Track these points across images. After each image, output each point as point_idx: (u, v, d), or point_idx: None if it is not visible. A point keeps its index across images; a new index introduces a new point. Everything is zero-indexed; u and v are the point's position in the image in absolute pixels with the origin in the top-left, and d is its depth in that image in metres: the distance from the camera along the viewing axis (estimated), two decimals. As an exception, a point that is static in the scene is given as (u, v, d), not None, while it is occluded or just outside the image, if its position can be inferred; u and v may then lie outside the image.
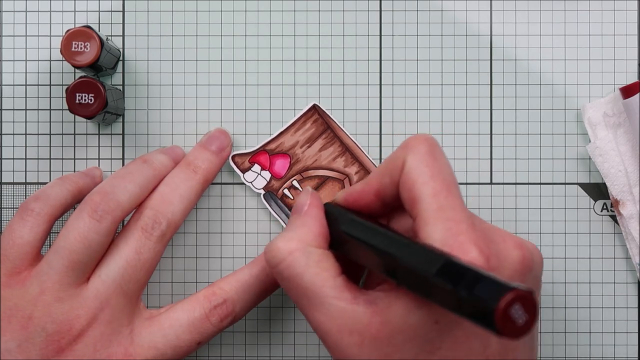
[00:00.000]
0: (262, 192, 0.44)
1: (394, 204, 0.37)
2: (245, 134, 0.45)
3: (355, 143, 0.45)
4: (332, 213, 0.38)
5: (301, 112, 0.45)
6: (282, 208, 0.44)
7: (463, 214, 0.33)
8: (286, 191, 0.44)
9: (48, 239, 0.41)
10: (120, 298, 0.38)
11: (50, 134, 0.45)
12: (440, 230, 0.32)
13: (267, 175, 0.44)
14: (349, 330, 0.33)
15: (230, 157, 0.44)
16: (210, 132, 0.44)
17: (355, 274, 0.38)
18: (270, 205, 0.44)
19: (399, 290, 0.33)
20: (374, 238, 0.34)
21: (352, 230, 0.36)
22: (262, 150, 0.45)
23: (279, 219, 0.44)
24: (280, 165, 0.45)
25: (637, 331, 0.45)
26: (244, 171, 0.44)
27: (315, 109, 0.45)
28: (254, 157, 0.45)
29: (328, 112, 0.45)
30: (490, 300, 0.26)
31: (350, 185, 0.44)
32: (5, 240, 0.39)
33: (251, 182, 0.44)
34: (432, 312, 0.32)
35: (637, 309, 0.45)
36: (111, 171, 0.45)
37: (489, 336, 0.32)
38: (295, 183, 0.44)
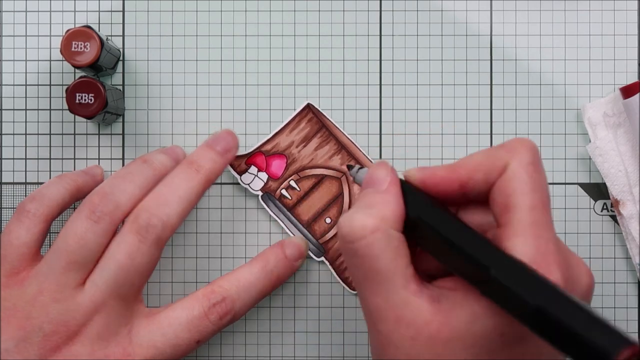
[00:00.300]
0: (260, 193, 0.44)
1: (475, 199, 0.35)
2: (245, 134, 0.45)
3: (350, 140, 0.45)
4: (408, 194, 0.35)
5: (295, 112, 0.45)
6: (280, 209, 0.44)
7: (553, 234, 0.32)
8: (284, 191, 0.44)
9: (48, 237, 0.41)
10: (117, 301, 0.38)
11: (50, 134, 0.45)
12: (530, 246, 0.31)
13: (264, 176, 0.44)
14: (407, 322, 0.32)
15: None
16: (217, 132, 0.43)
17: (419, 260, 0.36)
18: (268, 206, 0.44)
19: (466, 293, 0.32)
20: (463, 239, 0.32)
21: (436, 223, 0.33)
22: (258, 151, 0.45)
23: (277, 219, 0.44)
24: (277, 165, 0.45)
25: (637, 331, 0.45)
26: (240, 173, 0.44)
27: (309, 108, 0.45)
28: (250, 158, 0.44)
29: (322, 111, 0.45)
30: (609, 349, 0.26)
31: (348, 183, 0.44)
32: (3, 241, 0.39)
33: (248, 184, 0.44)
34: (499, 323, 0.31)
35: (637, 309, 0.45)
36: (111, 171, 0.45)
37: (555, 358, 0.32)
38: (292, 183, 0.44)
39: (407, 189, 0.35)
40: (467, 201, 0.35)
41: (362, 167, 0.38)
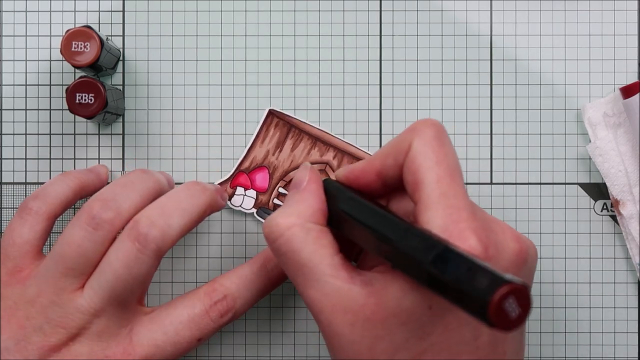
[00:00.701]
0: (254, 210, 0.44)
1: (395, 186, 0.36)
2: (245, 134, 0.45)
3: (322, 131, 0.45)
4: (331, 190, 0.37)
5: (260, 123, 0.45)
6: None
7: (465, 202, 0.33)
8: (276, 201, 0.44)
9: (50, 236, 0.41)
10: (115, 306, 0.38)
11: (50, 134, 0.45)
12: (441, 217, 0.32)
13: (252, 193, 0.44)
14: (343, 309, 0.33)
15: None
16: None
17: (351, 253, 0.38)
18: None
19: (395, 272, 0.33)
20: (372, 219, 0.34)
21: (351, 209, 0.35)
22: (239, 171, 0.44)
23: None
24: (261, 179, 0.45)
25: (637, 331, 0.45)
26: (229, 198, 0.44)
27: (272, 114, 0.45)
28: (233, 181, 0.44)
29: (285, 111, 0.45)
30: (486, 292, 0.26)
31: (333, 170, 0.44)
32: (6, 239, 0.39)
33: (240, 206, 0.44)
34: (426, 297, 0.32)
35: (637, 309, 0.45)
36: (111, 171, 0.45)
37: (480, 325, 0.32)
38: (281, 190, 0.44)
39: (330, 185, 0.37)
40: (393, 190, 0.37)
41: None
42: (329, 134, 0.44)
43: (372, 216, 0.34)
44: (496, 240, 0.33)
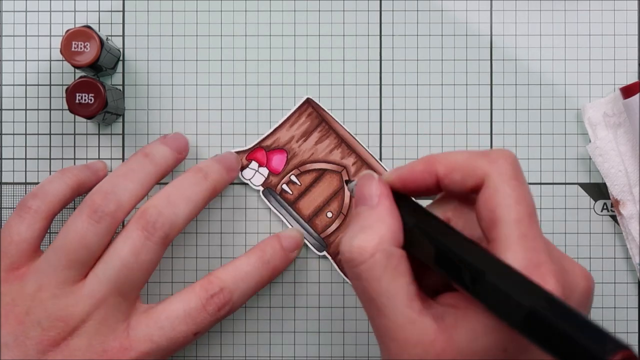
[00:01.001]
0: (261, 188, 0.44)
1: (452, 193, 0.35)
2: (245, 134, 0.45)
3: (350, 134, 0.45)
4: (400, 204, 0.35)
5: (295, 107, 0.45)
6: (281, 204, 0.44)
7: (542, 244, 0.32)
8: (285, 186, 0.44)
9: (48, 234, 0.41)
10: (116, 297, 0.38)
11: (50, 134, 0.45)
12: (522, 259, 0.31)
13: (264, 171, 0.44)
14: (415, 341, 0.32)
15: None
16: (224, 153, 0.44)
17: (420, 273, 0.36)
18: (269, 201, 0.44)
19: (467, 309, 0.32)
20: (462, 247, 0.32)
21: (434, 232, 0.33)
22: (259, 147, 0.45)
23: (278, 214, 0.44)
24: (278, 160, 0.45)
25: (637, 331, 0.45)
26: (241, 169, 0.44)
27: (308, 102, 0.45)
28: (250, 154, 0.45)
29: (322, 105, 0.45)
30: (602, 352, 0.26)
31: (348, 177, 0.44)
32: (4, 237, 0.39)
33: (249, 180, 0.44)
34: (501, 338, 0.31)
35: (637, 309, 0.45)
36: (111, 171, 0.45)
37: None
38: (293, 178, 0.44)
39: (398, 198, 0.35)
40: (458, 200, 0.35)
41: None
42: (356, 140, 0.44)
43: (456, 242, 0.32)
44: (569, 280, 0.32)
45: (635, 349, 0.45)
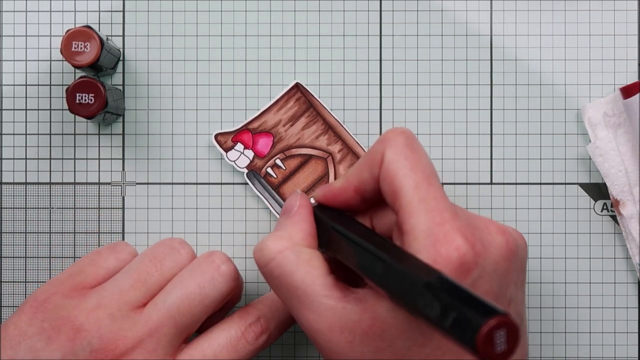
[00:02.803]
0: (245, 170, 0.44)
1: (374, 199, 0.37)
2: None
3: (338, 121, 0.45)
4: (322, 213, 0.38)
5: (284, 91, 0.45)
6: (265, 187, 0.44)
7: (445, 204, 0.33)
8: (269, 170, 0.44)
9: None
10: (171, 328, 0.37)
11: (50, 134, 0.45)
12: (424, 221, 0.32)
13: (250, 154, 0.44)
14: (340, 327, 0.33)
15: (212, 136, 0.44)
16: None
17: (344, 275, 0.38)
18: (253, 184, 0.44)
19: None
20: (365, 239, 0.34)
21: (343, 229, 0.35)
22: (245, 129, 0.44)
23: (262, 197, 0.44)
24: (263, 143, 0.45)
25: (637, 331, 0.45)
26: (226, 150, 0.44)
27: (297, 87, 0.44)
28: (236, 135, 0.44)
29: (311, 91, 0.45)
30: (477, 320, 0.26)
31: (334, 163, 0.44)
32: (89, 258, 0.40)
33: (234, 161, 0.44)
34: None
35: (637, 309, 0.45)
36: (111, 171, 0.45)
37: None
38: (278, 162, 0.44)
39: (320, 208, 0.38)
40: (373, 205, 0.37)
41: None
42: (343, 127, 0.44)
43: (363, 237, 0.34)
44: (482, 237, 0.33)
45: (635, 349, 0.45)
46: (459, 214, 0.33)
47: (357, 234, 0.34)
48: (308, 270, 0.35)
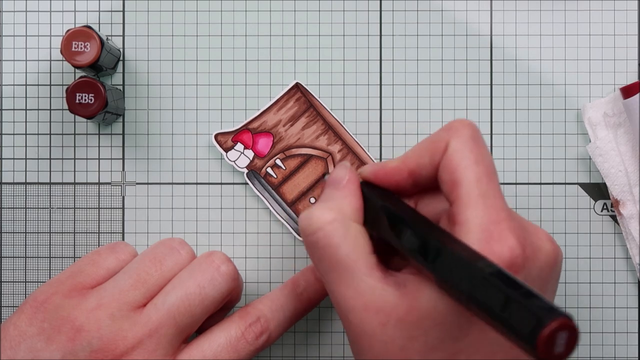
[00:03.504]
0: (245, 170, 0.44)
1: (425, 186, 0.36)
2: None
3: (338, 121, 0.45)
4: (369, 191, 0.37)
5: (284, 91, 0.45)
6: (265, 187, 0.44)
7: (503, 203, 0.33)
8: (269, 170, 0.44)
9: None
10: (171, 329, 0.37)
11: (50, 134, 0.45)
12: (481, 216, 0.32)
13: (250, 154, 0.44)
14: (376, 309, 0.33)
15: (212, 136, 0.44)
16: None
17: (383, 257, 0.37)
18: (253, 184, 0.44)
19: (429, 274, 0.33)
20: (417, 223, 0.33)
21: (395, 210, 0.35)
22: (245, 129, 0.44)
23: (262, 197, 0.44)
24: (263, 143, 0.44)
25: (637, 331, 0.45)
26: (226, 150, 0.44)
27: (297, 87, 0.44)
28: (236, 135, 0.44)
29: (311, 91, 0.45)
30: (543, 319, 0.26)
31: (334, 163, 0.44)
32: (89, 258, 0.40)
33: (234, 161, 0.44)
34: None
35: (637, 309, 0.45)
36: (111, 171, 0.45)
37: None
38: (278, 162, 0.44)
39: (366, 185, 0.37)
40: (422, 190, 0.37)
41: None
42: (343, 127, 0.44)
43: (417, 221, 0.33)
44: (532, 241, 0.33)
45: (635, 349, 0.45)
46: (514, 216, 0.33)
47: (410, 217, 0.34)
48: (354, 246, 0.34)
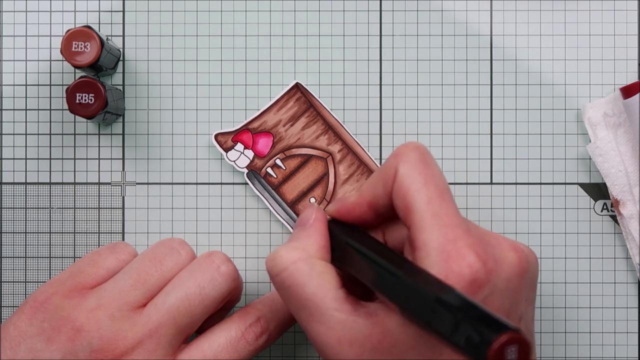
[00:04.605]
0: (245, 170, 0.44)
1: (387, 214, 0.37)
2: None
3: (338, 121, 0.45)
4: (336, 227, 0.38)
5: (284, 91, 0.45)
6: (265, 187, 0.44)
7: (458, 220, 0.33)
8: (269, 170, 0.44)
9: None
10: (171, 329, 0.37)
11: (50, 134, 0.45)
12: (436, 237, 0.32)
13: (250, 154, 0.44)
14: (349, 341, 0.33)
15: (212, 136, 0.44)
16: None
17: (355, 289, 0.38)
18: (253, 184, 0.44)
19: None
20: (379, 254, 0.34)
21: (358, 244, 0.35)
22: (245, 129, 0.44)
23: (262, 197, 0.44)
24: (263, 143, 0.44)
25: (637, 331, 0.45)
26: (226, 150, 0.44)
27: (297, 87, 0.44)
28: (236, 135, 0.44)
29: (311, 91, 0.45)
30: (488, 336, 0.26)
31: (334, 163, 0.44)
32: (89, 258, 0.40)
33: (234, 161, 0.44)
34: None
35: (637, 309, 0.45)
36: (111, 171, 0.45)
37: None
38: (278, 162, 0.44)
39: (333, 222, 0.38)
40: (386, 220, 0.37)
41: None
42: (343, 127, 0.44)
43: (376, 253, 0.34)
44: (494, 254, 0.33)
45: (635, 349, 0.45)
46: (472, 230, 0.33)
47: (370, 249, 0.34)
48: (320, 283, 0.35)
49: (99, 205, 0.45)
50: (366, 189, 0.37)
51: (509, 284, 0.33)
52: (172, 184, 0.45)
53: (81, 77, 0.42)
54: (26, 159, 0.45)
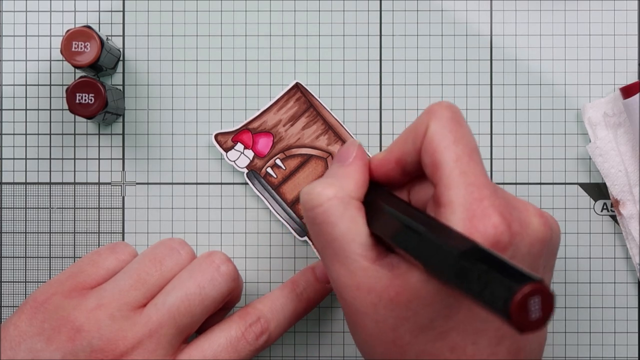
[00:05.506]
0: (245, 170, 0.44)
1: (414, 173, 0.36)
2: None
3: (338, 121, 0.45)
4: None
5: (284, 91, 0.45)
6: (265, 187, 0.44)
7: (485, 180, 0.33)
8: (269, 170, 0.44)
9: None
10: (171, 329, 0.37)
11: (50, 134, 0.45)
12: (462, 195, 0.32)
13: (250, 154, 0.44)
14: (368, 288, 0.33)
15: (212, 136, 0.44)
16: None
17: (383, 241, 0.37)
18: (253, 184, 0.44)
19: None
20: (404, 211, 0.33)
21: (379, 201, 0.35)
22: (245, 129, 0.44)
23: (262, 197, 0.44)
24: (263, 143, 0.45)
25: (637, 331, 0.45)
26: (226, 150, 0.44)
27: (297, 87, 0.45)
28: (236, 135, 0.44)
29: (311, 91, 0.45)
30: (511, 287, 0.26)
31: None
32: (89, 258, 0.40)
33: (234, 161, 0.44)
34: None
35: (637, 309, 0.45)
36: (111, 171, 0.45)
37: None
38: (278, 162, 0.44)
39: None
40: (413, 179, 0.37)
41: None
42: (343, 127, 0.45)
43: (400, 209, 0.34)
44: (519, 217, 0.33)
45: (635, 349, 0.45)
46: (498, 192, 0.33)
47: (393, 206, 0.34)
48: (350, 227, 0.34)
49: (99, 205, 0.45)
50: (395, 145, 0.36)
51: (531, 249, 0.33)
52: (172, 184, 0.45)
53: (81, 77, 0.42)
54: (26, 159, 0.45)
